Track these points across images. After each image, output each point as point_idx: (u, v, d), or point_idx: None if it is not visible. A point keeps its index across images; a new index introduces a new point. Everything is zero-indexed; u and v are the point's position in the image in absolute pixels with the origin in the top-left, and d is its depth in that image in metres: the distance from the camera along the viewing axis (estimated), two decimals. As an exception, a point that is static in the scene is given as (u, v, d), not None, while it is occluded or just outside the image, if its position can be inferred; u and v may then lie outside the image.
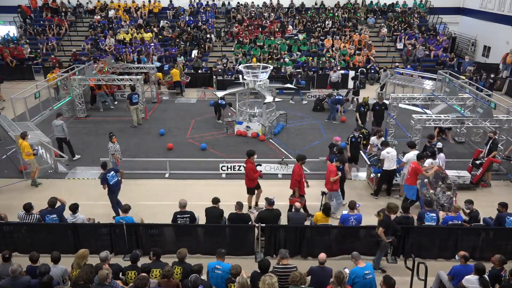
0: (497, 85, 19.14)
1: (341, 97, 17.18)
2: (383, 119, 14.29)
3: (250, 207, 10.23)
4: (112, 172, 9.61)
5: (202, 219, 8.80)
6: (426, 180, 10.16)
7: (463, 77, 17.68)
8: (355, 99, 18.28)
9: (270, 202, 8.61)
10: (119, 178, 9.79)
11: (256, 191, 10.31)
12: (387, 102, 14.51)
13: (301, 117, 17.39)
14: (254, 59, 22.39)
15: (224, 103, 16.65)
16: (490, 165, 11.40)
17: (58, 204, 8.68)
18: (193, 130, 15.89)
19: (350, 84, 20.73)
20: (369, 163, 11.55)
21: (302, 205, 9.37)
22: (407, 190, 10.08)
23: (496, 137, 11.71)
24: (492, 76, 18.82)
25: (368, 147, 12.06)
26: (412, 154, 10.44)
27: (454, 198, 9.77)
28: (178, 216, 8.52)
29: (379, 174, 10.95)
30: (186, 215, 8.51)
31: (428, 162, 10.30)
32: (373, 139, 11.85)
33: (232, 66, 22.17)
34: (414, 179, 9.85)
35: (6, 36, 25.75)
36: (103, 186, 9.57)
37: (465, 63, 22.71)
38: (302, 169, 9.74)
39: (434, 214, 8.60)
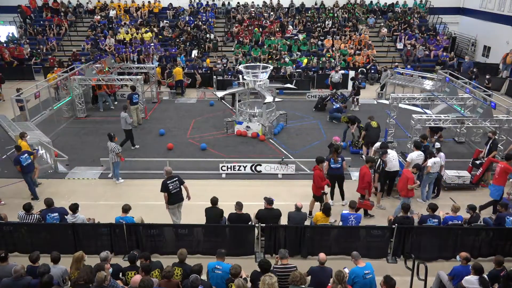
0: (492, 86, 19.03)
1: (339, 106, 17.18)
2: (378, 139, 12.85)
3: (310, 213, 9.96)
4: (26, 155, 10.52)
5: (202, 219, 8.79)
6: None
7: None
8: (355, 99, 18.30)
9: (269, 201, 8.61)
10: (32, 160, 10.67)
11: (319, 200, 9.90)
12: (386, 101, 14.42)
13: (301, 117, 17.39)
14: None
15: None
16: (490, 165, 11.39)
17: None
18: (193, 130, 15.89)
19: (350, 84, 20.79)
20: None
21: (371, 208, 9.43)
22: (493, 190, 9.95)
23: (495, 137, 11.71)
24: (488, 77, 18.71)
25: (372, 152, 12.04)
26: (416, 154, 10.44)
27: None
28: (168, 182, 8.90)
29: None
30: (174, 179, 8.99)
31: (430, 161, 10.31)
32: (377, 145, 11.74)
33: (232, 66, 22.17)
34: (503, 179, 9.81)
35: (7, 38, 25.77)
36: (16, 167, 10.48)
37: (465, 63, 22.72)
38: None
39: (436, 220, 8.60)
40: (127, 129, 13.64)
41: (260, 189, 10.96)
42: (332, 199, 10.48)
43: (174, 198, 9.09)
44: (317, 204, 9.84)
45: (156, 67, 20.53)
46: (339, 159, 10.19)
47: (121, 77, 17.40)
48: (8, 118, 13.73)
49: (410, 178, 9.47)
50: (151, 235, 8.51)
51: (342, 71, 21.27)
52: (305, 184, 11.67)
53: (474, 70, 19.83)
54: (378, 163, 10.20)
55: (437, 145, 11.21)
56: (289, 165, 12.22)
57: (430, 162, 10.31)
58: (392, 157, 10.57)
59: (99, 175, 12.31)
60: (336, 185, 10.46)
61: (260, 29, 25.98)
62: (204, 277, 6.63)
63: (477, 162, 11.61)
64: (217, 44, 24.26)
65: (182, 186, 9.16)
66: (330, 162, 10.16)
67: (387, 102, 14.49)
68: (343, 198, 10.58)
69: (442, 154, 10.91)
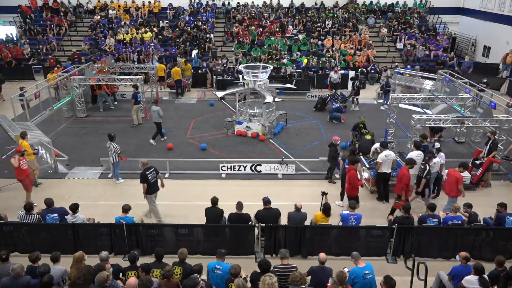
0: (489, 87, 18.94)
1: (339, 105, 17.17)
2: (368, 151, 12.45)
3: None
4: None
5: (202, 219, 8.79)
6: None
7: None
8: (355, 99, 18.30)
9: (266, 201, 8.60)
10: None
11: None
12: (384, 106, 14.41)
13: (301, 117, 17.39)
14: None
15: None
16: (490, 165, 11.40)
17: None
18: (193, 130, 15.89)
19: (350, 84, 20.79)
20: (368, 166, 11.68)
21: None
22: None
23: (495, 137, 11.71)
24: (485, 81, 18.61)
25: (371, 153, 12.06)
26: (416, 154, 10.44)
27: None
28: (147, 173, 9.41)
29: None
30: (152, 169, 9.54)
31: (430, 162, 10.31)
32: (376, 145, 11.74)
33: (232, 66, 22.17)
34: None
35: (6, 37, 25.76)
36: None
37: (465, 63, 22.71)
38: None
39: (436, 219, 8.60)
40: (158, 122, 14.35)
41: (260, 189, 10.96)
42: (342, 199, 10.48)
43: (152, 188, 9.63)
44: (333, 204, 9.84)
45: (156, 66, 20.48)
46: None
47: (121, 77, 17.40)
48: (8, 118, 13.73)
49: (460, 178, 9.47)
50: (151, 235, 8.51)
51: (342, 71, 21.28)
52: (305, 184, 11.72)
53: (485, 80, 19.23)
54: (424, 168, 9.90)
55: (437, 145, 11.21)
56: (289, 165, 12.22)
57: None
58: (389, 159, 10.58)
59: (99, 175, 12.31)
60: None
61: (260, 28, 25.96)
62: (204, 277, 6.62)
63: (477, 162, 11.61)
64: (216, 52, 24.16)
65: (156, 176, 9.71)
66: (345, 162, 10.21)
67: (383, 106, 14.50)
68: (341, 199, 10.54)
69: (442, 154, 10.91)
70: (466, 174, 11.43)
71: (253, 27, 25.51)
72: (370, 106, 19.00)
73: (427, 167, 9.87)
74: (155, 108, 14.28)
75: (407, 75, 19.96)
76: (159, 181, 9.82)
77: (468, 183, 11.32)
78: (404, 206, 8.69)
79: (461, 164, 9.87)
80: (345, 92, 19.25)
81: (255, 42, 24.89)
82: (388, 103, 16.30)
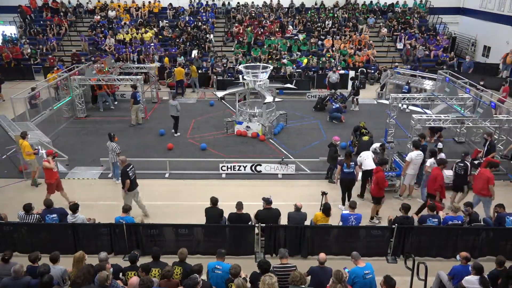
0: (487, 86, 18.79)
1: (339, 105, 17.17)
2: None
3: (372, 218, 9.91)
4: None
5: (202, 219, 8.80)
6: None
7: None
8: (355, 99, 18.30)
9: (268, 201, 8.60)
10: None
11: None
12: (386, 101, 14.45)
13: (301, 117, 17.39)
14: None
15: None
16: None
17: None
18: (193, 130, 15.89)
19: (350, 84, 20.77)
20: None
21: (442, 209, 9.26)
22: None
23: (491, 138, 11.69)
24: (481, 83, 18.55)
25: (373, 156, 12.00)
26: (416, 154, 10.44)
27: None
28: (127, 170, 9.47)
29: None
30: (131, 166, 9.65)
31: (430, 161, 10.31)
32: (375, 146, 11.73)
33: (232, 66, 22.17)
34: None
35: (6, 37, 25.76)
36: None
37: (466, 63, 22.71)
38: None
39: (436, 219, 8.59)
40: (176, 116, 14.89)
41: (260, 189, 10.96)
42: (343, 204, 10.42)
43: (133, 184, 9.69)
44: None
45: (174, 70, 20.27)
46: (352, 164, 10.18)
47: (121, 77, 17.40)
48: (8, 118, 13.73)
49: (491, 177, 9.46)
50: (151, 235, 8.51)
51: (342, 71, 21.29)
52: (305, 184, 11.72)
53: (481, 83, 19.16)
54: (465, 166, 10.09)
55: (440, 145, 11.20)
56: (289, 165, 12.22)
57: (429, 162, 10.31)
58: (366, 156, 10.65)
59: (99, 175, 12.32)
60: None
61: (260, 28, 25.94)
62: (204, 277, 6.63)
63: (475, 162, 11.59)
64: (215, 56, 24.11)
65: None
66: (343, 166, 10.17)
67: (387, 102, 14.48)
68: (343, 203, 10.46)
69: (442, 154, 10.91)
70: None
71: (249, 29, 25.43)
72: (370, 106, 19.01)
73: (467, 164, 10.07)
74: (173, 103, 14.76)
75: (405, 72, 19.92)
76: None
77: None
78: (404, 206, 8.68)
79: (491, 165, 9.86)
80: (344, 92, 19.25)
81: (253, 43, 24.78)
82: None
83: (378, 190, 9.71)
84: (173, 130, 15.29)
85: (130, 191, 9.65)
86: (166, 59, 22.30)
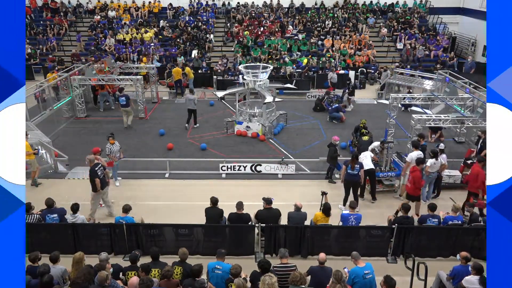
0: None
1: (338, 105, 17.16)
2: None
3: (418, 215, 9.79)
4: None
5: (202, 219, 8.80)
6: None
7: None
8: (351, 99, 18.29)
9: (268, 201, 8.60)
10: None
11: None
12: (386, 101, 14.44)
13: (301, 117, 17.39)
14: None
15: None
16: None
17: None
18: (193, 130, 15.88)
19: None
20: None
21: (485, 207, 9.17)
22: None
23: (485, 136, 11.68)
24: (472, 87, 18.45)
25: (372, 156, 12.01)
26: (416, 154, 10.42)
27: None
28: (96, 169, 9.43)
29: None
30: (99, 165, 9.59)
31: (430, 162, 10.31)
32: (374, 145, 11.72)
33: (232, 66, 22.17)
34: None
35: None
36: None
37: (467, 63, 22.67)
38: None
39: (436, 219, 8.59)
40: (194, 109, 15.45)
41: (260, 189, 10.93)
42: (344, 205, 10.38)
43: (103, 183, 9.61)
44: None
45: (173, 70, 20.23)
46: (357, 166, 10.13)
47: (121, 77, 17.37)
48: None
49: (481, 172, 9.51)
50: (151, 235, 8.51)
51: (342, 71, 21.27)
52: (305, 184, 11.72)
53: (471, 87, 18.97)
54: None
55: (442, 146, 11.19)
56: (289, 165, 12.22)
57: (429, 162, 10.30)
58: (364, 155, 10.66)
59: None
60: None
61: (259, 28, 25.93)
62: (204, 277, 6.63)
63: (468, 161, 11.56)
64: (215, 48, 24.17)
65: (104, 171, 9.79)
66: (347, 167, 10.15)
67: (387, 102, 14.48)
68: (344, 204, 10.39)
69: (443, 155, 10.88)
70: (457, 173, 11.40)
71: (246, 32, 25.38)
72: (370, 106, 19.00)
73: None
74: (191, 97, 15.38)
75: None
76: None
77: (459, 183, 11.29)
78: (404, 206, 8.68)
79: (480, 159, 9.86)
80: (338, 93, 19.14)
81: (250, 44, 24.70)
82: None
83: (414, 189, 9.77)
84: (186, 125, 15.73)
85: (102, 189, 9.62)
86: (144, 59, 22.34)
